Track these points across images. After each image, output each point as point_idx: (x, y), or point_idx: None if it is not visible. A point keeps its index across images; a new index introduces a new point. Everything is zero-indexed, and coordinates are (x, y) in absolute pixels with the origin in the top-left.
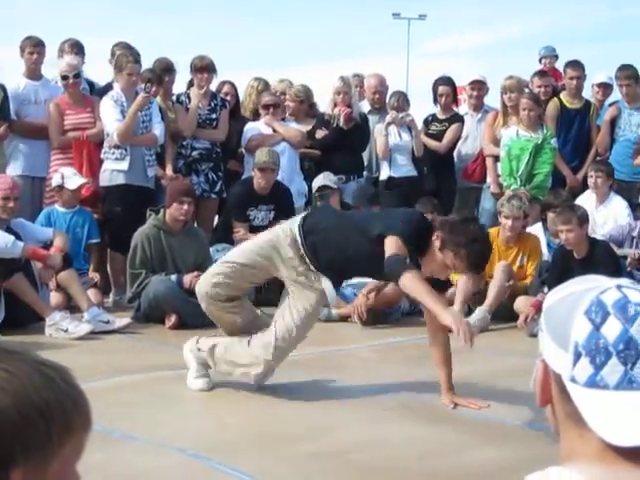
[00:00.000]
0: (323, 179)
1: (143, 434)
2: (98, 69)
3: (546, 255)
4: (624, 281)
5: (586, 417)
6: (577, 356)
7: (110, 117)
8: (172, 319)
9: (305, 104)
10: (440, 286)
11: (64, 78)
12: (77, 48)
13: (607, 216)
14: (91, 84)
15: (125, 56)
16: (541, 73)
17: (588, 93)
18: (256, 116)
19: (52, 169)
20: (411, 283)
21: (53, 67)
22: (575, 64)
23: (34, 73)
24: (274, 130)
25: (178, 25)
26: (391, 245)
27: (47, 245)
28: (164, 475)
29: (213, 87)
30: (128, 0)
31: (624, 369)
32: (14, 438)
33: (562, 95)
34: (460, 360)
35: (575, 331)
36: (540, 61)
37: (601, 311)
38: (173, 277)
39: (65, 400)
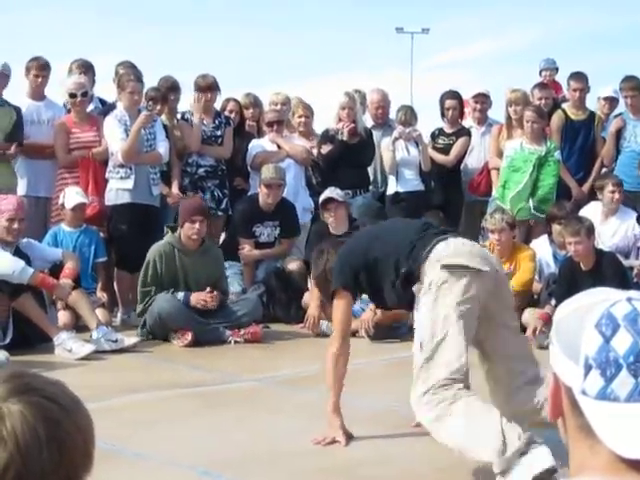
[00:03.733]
0: (329, 193)
1: (154, 452)
2: (107, 88)
3: (553, 267)
4: (634, 293)
5: (597, 429)
6: (588, 369)
7: (114, 136)
8: (188, 337)
9: (312, 119)
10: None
11: (72, 96)
12: (85, 68)
13: (618, 228)
14: (104, 103)
15: (127, 75)
16: (541, 85)
17: (592, 105)
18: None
19: (58, 188)
20: None
21: (61, 85)
22: (578, 76)
23: (38, 94)
24: (278, 146)
25: (177, 45)
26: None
27: (56, 265)
28: None
29: (218, 105)
30: (135, 17)
31: (635, 382)
32: (79, 461)
33: (566, 107)
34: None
35: (585, 344)
36: (540, 74)
37: (611, 324)
38: (180, 295)
39: (90, 420)
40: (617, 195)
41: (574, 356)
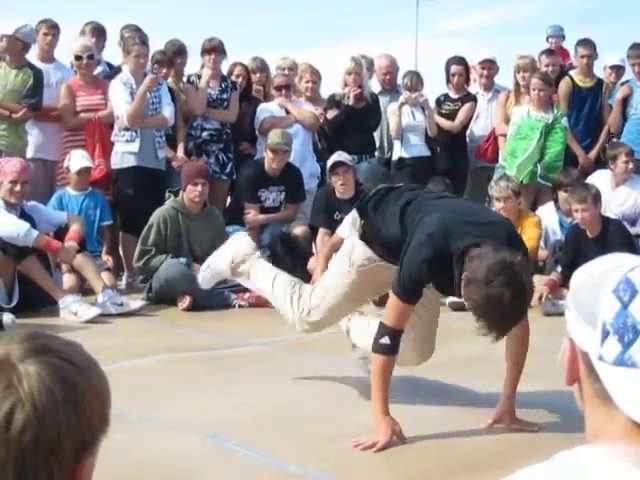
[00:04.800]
0: (337, 157)
1: (160, 416)
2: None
3: (559, 234)
4: None
5: (614, 395)
6: (605, 334)
7: (119, 99)
8: (186, 301)
9: (319, 84)
10: None
11: (78, 58)
12: (98, 32)
13: (628, 197)
14: (111, 67)
15: (132, 38)
16: (548, 52)
17: (599, 72)
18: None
19: (64, 151)
20: (374, 367)
21: (69, 48)
22: (586, 42)
23: (47, 55)
24: (287, 111)
25: (187, 8)
26: (389, 305)
27: (62, 229)
28: (182, 456)
29: (225, 69)
30: None
31: None
32: (95, 423)
33: (574, 74)
34: (475, 340)
35: (603, 309)
36: (547, 40)
37: (629, 289)
38: (183, 260)
39: (106, 382)
40: (631, 165)
41: (591, 322)
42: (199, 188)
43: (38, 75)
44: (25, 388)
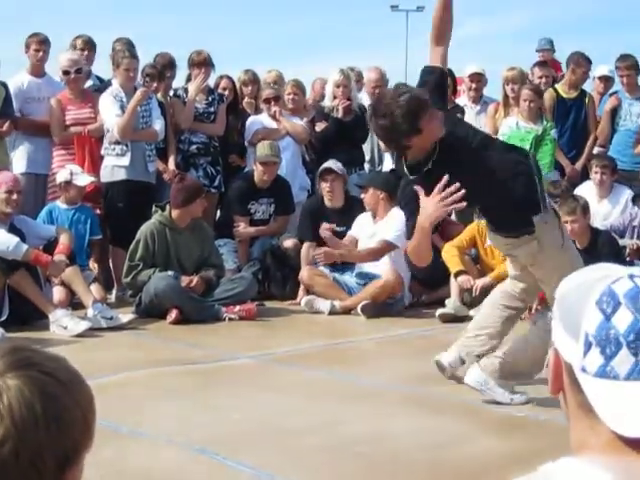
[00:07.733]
0: (331, 164)
1: (150, 429)
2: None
3: None
4: (636, 270)
5: (596, 408)
6: (588, 346)
7: (110, 113)
8: (173, 315)
9: (303, 96)
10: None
11: (65, 73)
12: (89, 45)
13: (613, 210)
14: (102, 81)
15: (122, 52)
16: (541, 64)
17: (588, 86)
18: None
19: (55, 165)
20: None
21: (57, 63)
22: (583, 58)
23: (38, 70)
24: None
25: (174, 20)
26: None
27: (50, 242)
28: (171, 470)
29: (211, 82)
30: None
31: (635, 360)
32: (78, 436)
33: (558, 85)
34: None
35: (586, 321)
36: (537, 53)
37: (612, 301)
38: (170, 273)
39: (91, 396)
40: (599, 176)
41: (575, 333)
42: (205, 202)
43: (5, 86)
44: (5, 402)
